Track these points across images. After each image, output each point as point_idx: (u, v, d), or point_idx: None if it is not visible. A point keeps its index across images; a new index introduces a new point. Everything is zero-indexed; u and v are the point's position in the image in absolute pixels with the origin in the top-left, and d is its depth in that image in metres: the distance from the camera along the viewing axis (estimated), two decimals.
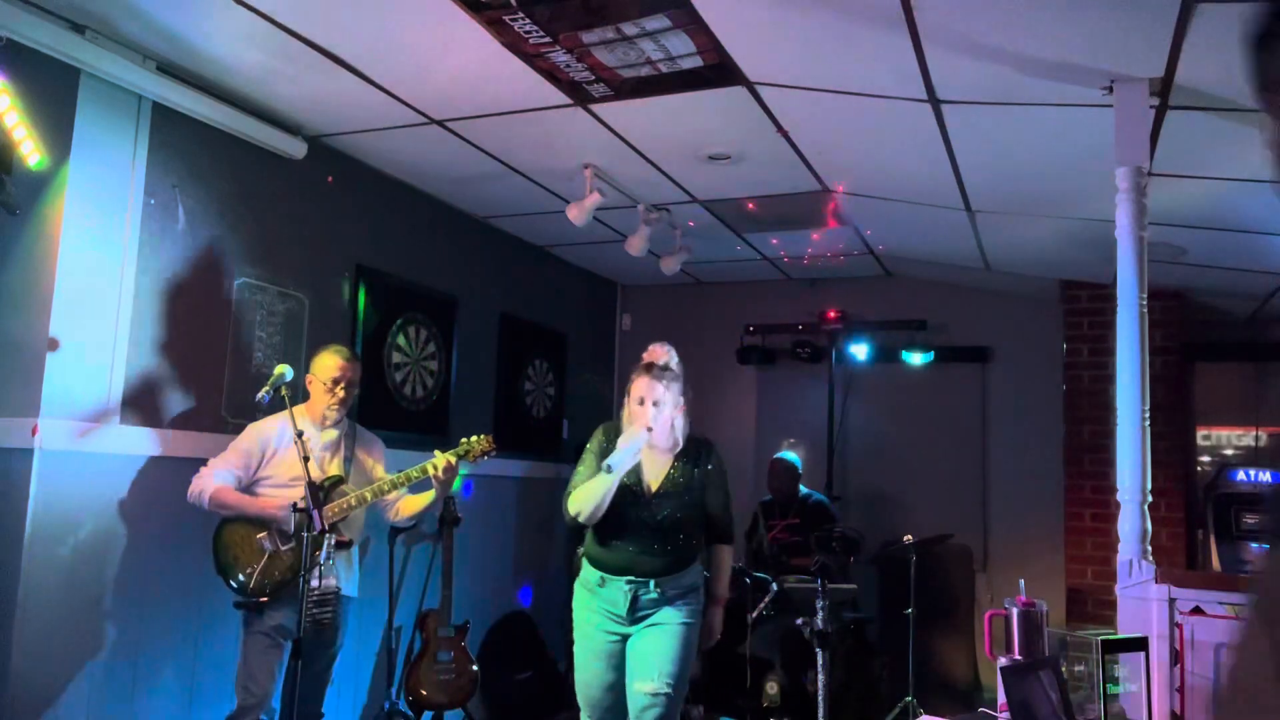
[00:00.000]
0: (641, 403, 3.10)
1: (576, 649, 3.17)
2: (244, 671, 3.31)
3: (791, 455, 5.76)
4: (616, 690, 3.08)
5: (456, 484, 3.63)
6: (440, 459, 3.43)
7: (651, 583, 3.08)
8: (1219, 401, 5.80)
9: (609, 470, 2.95)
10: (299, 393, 3.72)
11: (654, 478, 3.16)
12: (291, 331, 4.16)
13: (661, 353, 3.20)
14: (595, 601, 3.13)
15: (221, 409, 3.81)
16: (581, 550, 3.29)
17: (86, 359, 3.31)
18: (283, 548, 3.31)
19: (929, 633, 5.63)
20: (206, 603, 3.60)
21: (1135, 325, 2.83)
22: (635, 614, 3.09)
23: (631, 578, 3.08)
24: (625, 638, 3.11)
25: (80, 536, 3.28)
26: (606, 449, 3.13)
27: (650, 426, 3.06)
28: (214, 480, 3.31)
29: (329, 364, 3.51)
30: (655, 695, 2.98)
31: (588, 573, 3.18)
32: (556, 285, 6.35)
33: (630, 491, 3.11)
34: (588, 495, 3.06)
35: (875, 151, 4.02)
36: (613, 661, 3.10)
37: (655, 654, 3.03)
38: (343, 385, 3.51)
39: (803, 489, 5.69)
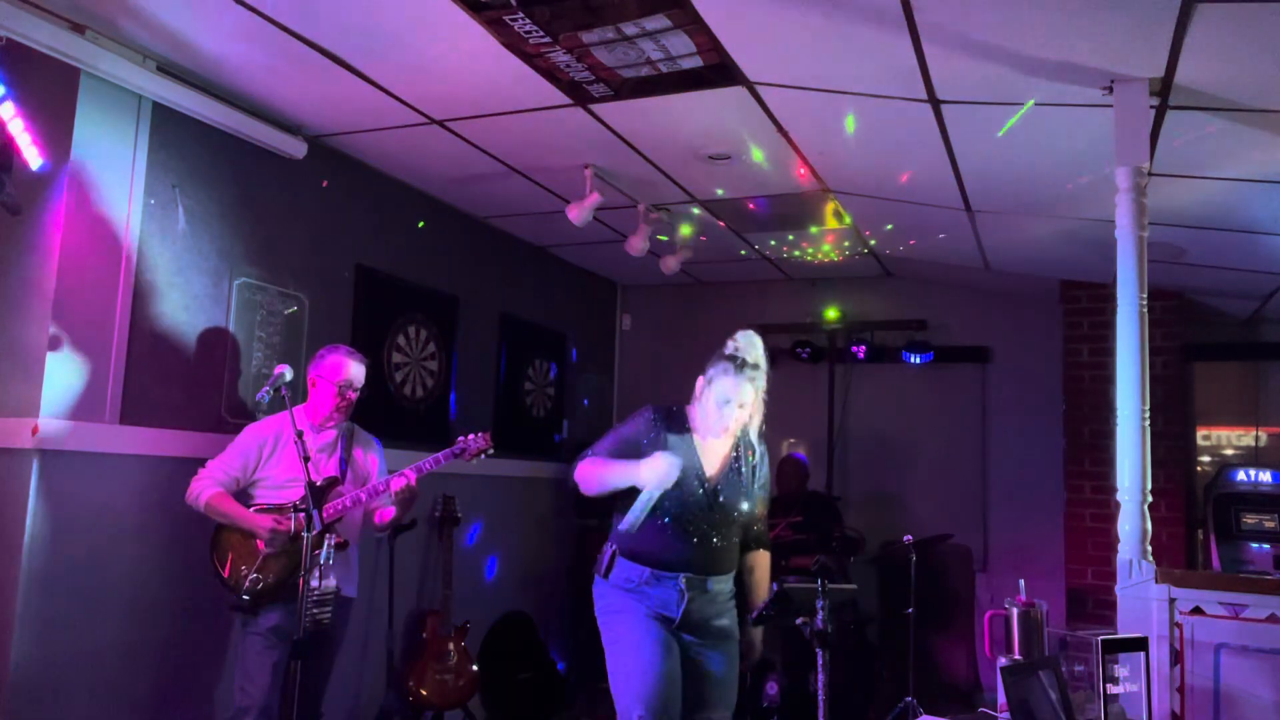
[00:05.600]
0: (726, 403, 2.85)
1: (619, 641, 2.84)
2: (241, 673, 3.32)
3: (800, 456, 5.77)
4: (674, 679, 2.80)
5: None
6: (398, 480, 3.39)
7: (710, 581, 2.90)
8: (1219, 401, 5.79)
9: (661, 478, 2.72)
10: (299, 393, 3.72)
11: (712, 463, 2.94)
12: (291, 331, 4.16)
13: (748, 347, 2.92)
14: (639, 599, 2.86)
15: (221, 409, 3.81)
16: (614, 549, 2.93)
17: (86, 359, 3.31)
18: (278, 550, 3.30)
19: (929, 633, 5.63)
20: (206, 603, 3.60)
21: (1135, 325, 2.83)
22: (689, 617, 2.87)
23: (689, 575, 2.86)
24: (676, 634, 2.88)
25: (80, 537, 3.28)
26: (655, 439, 2.89)
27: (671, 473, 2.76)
28: (211, 484, 3.32)
29: (345, 368, 3.50)
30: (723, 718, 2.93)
31: (627, 570, 2.87)
32: (556, 285, 6.35)
33: (691, 476, 2.86)
34: (605, 476, 2.85)
35: (875, 151, 4.02)
36: (668, 648, 2.82)
37: (724, 681, 2.92)
38: (353, 390, 3.51)
39: (807, 488, 5.70)
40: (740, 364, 2.88)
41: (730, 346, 2.93)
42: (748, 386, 2.87)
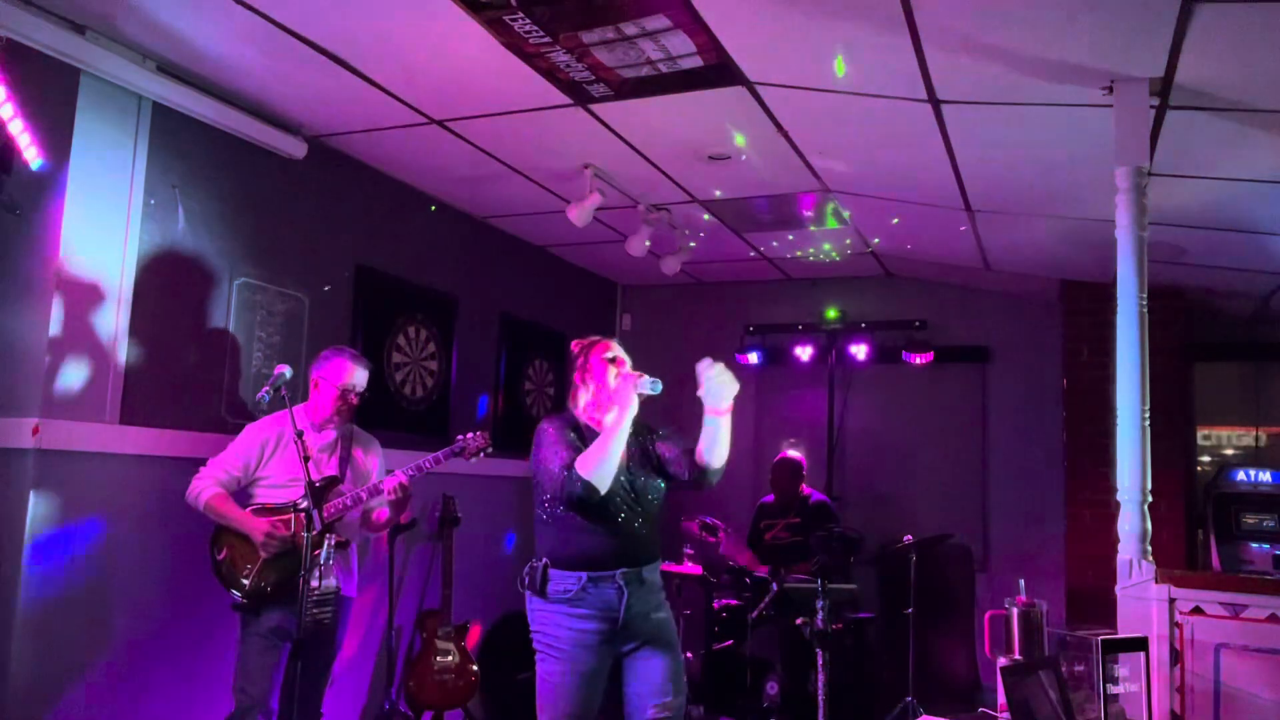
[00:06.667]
0: (614, 361, 2.99)
1: (554, 677, 2.79)
2: (241, 673, 3.31)
3: (795, 455, 5.76)
4: (597, 711, 2.86)
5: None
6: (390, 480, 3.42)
7: (644, 571, 2.90)
8: (1219, 401, 5.80)
9: (652, 389, 2.80)
10: (299, 393, 3.72)
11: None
12: (291, 331, 4.16)
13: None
14: (578, 616, 2.81)
15: (221, 409, 3.81)
16: (545, 561, 2.85)
17: (86, 359, 3.31)
18: (276, 552, 3.30)
19: (929, 633, 5.63)
20: (206, 603, 3.60)
21: (1135, 325, 2.83)
22: (630, 613, 2.84)
23: (625, 569, 2.84)
24: (618, 654, 2.89)
25: (80, 537, 3.28)
26: (573, 436, 2.91)
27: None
28: (211, 484, 3.32)
29: (349, 372, 3.49)
30: (677, 708, 2.89)
31: (564, 581, 2.81)
32: (556, 285, 6.35)
33: None
34: (606, 454, 2.75)
35: (875, 151, 4.02)
36: (603, 682, 2.86)
37: (670, 667, 2.90)
38: (355, 394, 3.51)
39: (803, 489, 5.69)
40: (600, 339, 3.08)
41: (577, 345, 3.12)
42: (621, 347, 3.05)
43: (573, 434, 2.93)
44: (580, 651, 2.80)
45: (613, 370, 2.98)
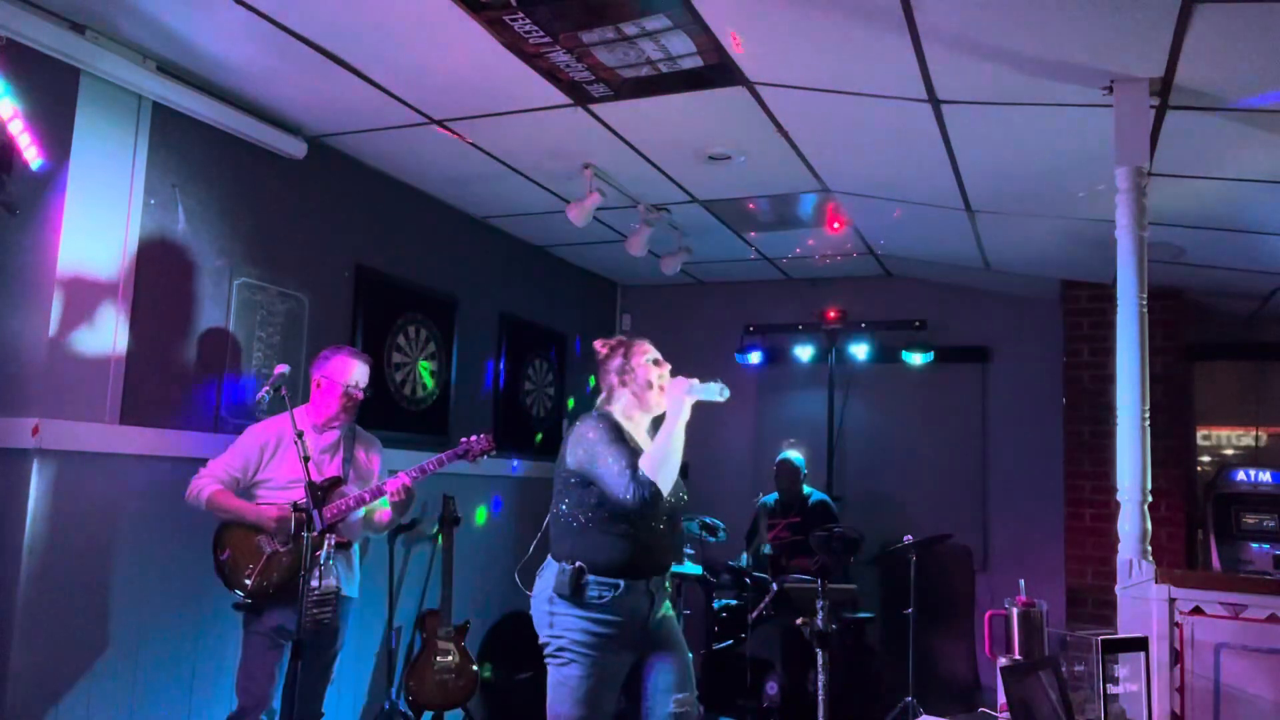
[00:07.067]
0: (658, 363, 2.97)
1: (575, 680, 2.76)
2: (244, 672, 3.32)
3: (796, 456, 5.76)
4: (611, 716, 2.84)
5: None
6: (392, 481, 3.39)
7: (667, 580, 2.92)
8: (1219, 401, 5.80)
9: (720, 395, 2.75)
10: (299, 392, 3.72)
11: None
12: (291, 331, 4.16)
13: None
14: (607, 622, 2.76)
15: (221, 409, 3.81)
16: (580, 565, 2.79)
17: (86, 359, 3.31)
18: (281, 549, 3.31)
19: (929, 633, 5.63)
20: (206, 603, 3.60)
21: (1135, 325, 2.83)
22: (654, 615, 2.85)
23: (655, 577, 2.84)
24: (638, 657, 2.86)
25: (80, 536, 3.28)
26: (621, 434, 2.85)
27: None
28: (211, 481, 3.32)
29: (351, 369, 3.50)
30: (693, 703, 2.90)
31: (600, 588, 2.76)
32: (556, 285, 6.35)
33: None
34: (669, 455, 2.72)
35: (875, 151, 4.02)
36: (620, 685, 2.84)
37: (684, 663, 2.90)
38: (359, 390, 3.51)
39: (805, 488, 5.70)
40: (632, 339, 3.03)
41: (604, 345, 3.05)
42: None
43: (625, 436, 2.86)
44: (606, 655, 2.77)
45: (656, 371, 2.96)
